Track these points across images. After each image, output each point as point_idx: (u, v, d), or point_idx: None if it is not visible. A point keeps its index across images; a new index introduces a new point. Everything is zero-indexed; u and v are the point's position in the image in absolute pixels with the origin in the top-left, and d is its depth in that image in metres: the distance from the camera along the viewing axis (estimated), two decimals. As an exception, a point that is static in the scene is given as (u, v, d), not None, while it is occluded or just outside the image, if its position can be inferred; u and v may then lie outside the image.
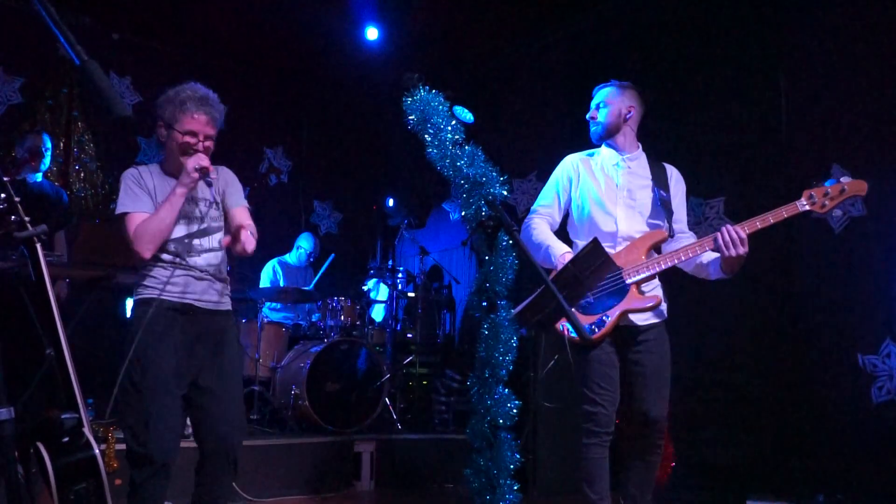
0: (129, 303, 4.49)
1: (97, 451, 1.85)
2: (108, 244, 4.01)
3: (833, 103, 3.97)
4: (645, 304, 2.64)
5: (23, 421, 1.69)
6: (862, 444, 3.65)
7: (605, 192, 2.83)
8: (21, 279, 3.73)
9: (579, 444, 2.65)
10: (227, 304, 2.56)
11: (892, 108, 3.73)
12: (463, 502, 2.44)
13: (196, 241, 2.47)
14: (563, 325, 2.60)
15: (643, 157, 2.94)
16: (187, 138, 2.41)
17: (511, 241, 2.32)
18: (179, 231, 2.43)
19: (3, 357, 1.56)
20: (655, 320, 2.72)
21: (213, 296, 2.49)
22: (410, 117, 2.43)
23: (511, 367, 2.33)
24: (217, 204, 2.53)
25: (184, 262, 2.43)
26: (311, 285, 5.57)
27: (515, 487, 2.25)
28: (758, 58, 4.35)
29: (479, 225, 2.33)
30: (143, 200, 2.41)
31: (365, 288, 6.00)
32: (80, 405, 1.85)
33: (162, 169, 2.52)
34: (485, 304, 2.34)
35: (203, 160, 2.36)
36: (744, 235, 2.52)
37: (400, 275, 5.90)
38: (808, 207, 2.54)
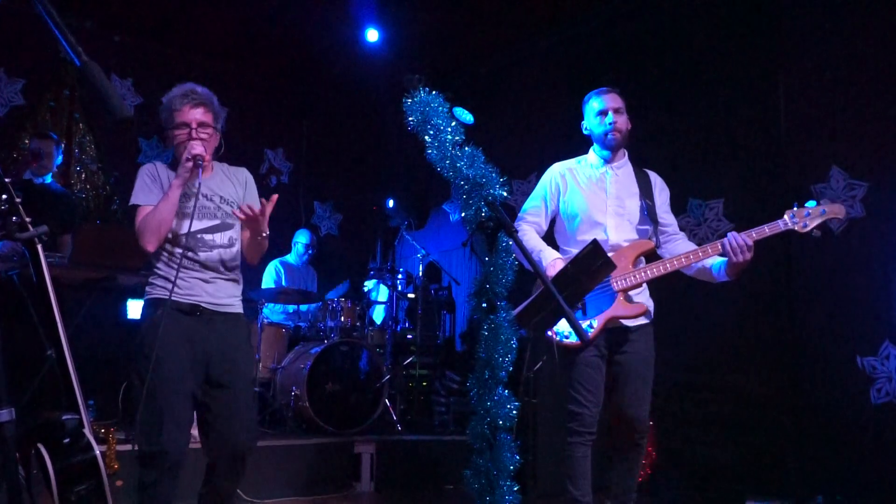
0: (132, 304, 4.50)
1: (98, 452, 1.85)
2: (109, 245, 4.02)
3: (832, 104, 3.98)
4: (632, 312, 2.74)
5: (24, 422, 1.69)
6: (861, 446, 3.65)
7: (595, 202, 2.88)
8: (22, 280, 3.74)
9: (564, 444, 2.74)
10: (237, 307, 2.56)
11: (891, 109, 3.74)
12: (463, 503, 2.44)
13: (209, 237, 2.48)
14: (551, 330, 2.67)
15: (629, 164, 2.98)
16: (181, 131, 2.45)
17: (511, 243, 2.32)
18: (194, 225, 2.43)
19: (4, 358, 1.56)
20: (644, 321, 2.80)
21: (224, 297, 2.50)
22: (410, 118, 2.44)
23: (511, 369, 2.34)
24: (231, 202, 2.55)
25: (196, 258, 2.45)
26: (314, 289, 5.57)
27: (515, 488, 2.25)
28: (757, 59, 4.36)
29: (478, 226, 2.33)
30: (154, 193, 2.44)
31: (365, 289, 6.01)
32: (81, 406, 1.85)
33: (171, 168, 2.55)
34: (484, 305, 2.34)
35: (195, 148, 2.38)
36: (750, 242, 2.63)
37: (400, 276, 5.90)
38: (789, 226, 2.66)
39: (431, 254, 6.16)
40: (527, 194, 5.71)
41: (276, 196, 2.46)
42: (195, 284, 2.44)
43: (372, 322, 5.76)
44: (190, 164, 2.36)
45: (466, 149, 2.41)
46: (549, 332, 2.70)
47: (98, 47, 5.65)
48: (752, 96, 4.35)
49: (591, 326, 2.71)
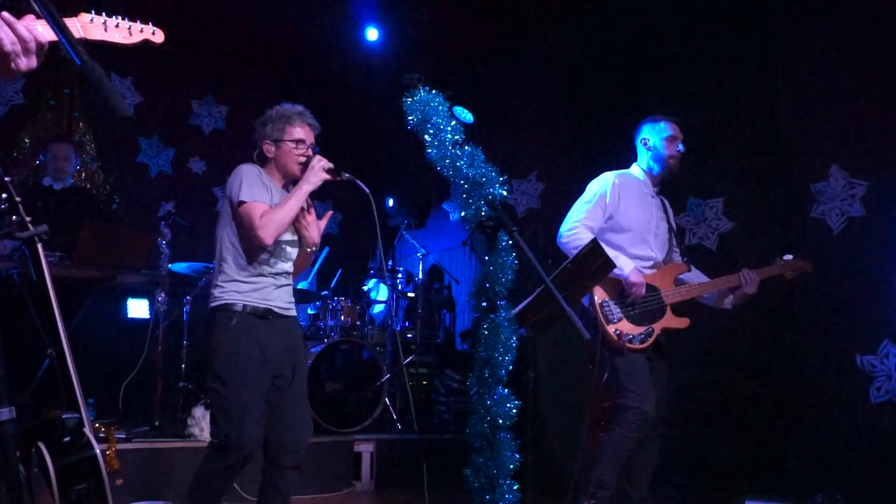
0: (132, 303, 4.50)
1: (98, 450, 1.86)
2: (109, 244, 4.02)
3: (832, 103, 3.98)
4: (680, 324, 3.09)
5: (24, 421, 1.69)
6: (860, 445, 3.66)
7: (645, 219, 3.14)
8: (23, 279, 3.74)
9: (620, 437, 2.92)
10: (295, 310, 2.72)
11: (891, 108, 3.74)
12: (463, 502, 2.44)
13: (286, 245, 2.65)
14: (619, 332, 2.97)
15: (658, 189, 3.28)
16: (298, 147, 2.65)
17: (510, 242, 2.33)
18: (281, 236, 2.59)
19: (4, 357, 1.57)
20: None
21: (288, 301, 2.67)
22: (410, 118, 2.44)
23: (511, 368, 2.34)
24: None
25: (276, 267, 2.61)
26: (309, 279, 5.58)
27: (515, 487, 2.25)
28: (757, 58, 4.36)
29: (478, 225, 2.33)
30: (264, 193, 2.57)
31: (365, 288, 6.01)
32: (81, 405, 1.85)
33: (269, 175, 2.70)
34: (484, 304, 2.35)
35: (326, 162, 2.59)
36: (758, 279, 3.09)
37: (400, 275, 5.91)
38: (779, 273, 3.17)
39: (431, 253, 6.16)
40: (527, 193, 5.78)
41: (331, 212, 2.79)
42: (267, 291, 2.58)
43: (372, 321, 5.76)
44: (324, 174, 2.57)
45: (466, 148, 2.41)
46: (616, 337, 2.96)
47: (97, 46, 5.64)
48: (751, 95, 4.35)
49: (650, 332, 3.02)
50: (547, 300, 2.38)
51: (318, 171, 2.58)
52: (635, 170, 3.24)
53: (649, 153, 3.19)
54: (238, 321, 2.51)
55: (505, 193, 2.39)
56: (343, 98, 7.03)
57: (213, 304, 2.58)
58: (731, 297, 3.18)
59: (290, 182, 2.74)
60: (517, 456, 2.27)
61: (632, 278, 2.97)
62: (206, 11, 5.66)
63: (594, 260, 2.43)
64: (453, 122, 2.45)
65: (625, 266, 2.99)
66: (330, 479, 4.17)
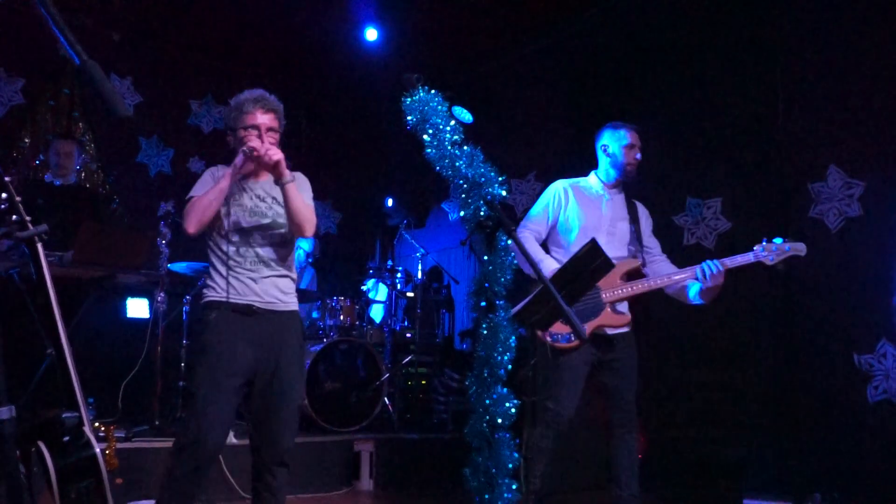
0: (131, 303, 4.50)
1: (98, 450, 1.86)
2: (109, 244, 4.02)
3: (830, 103, 3.99)
4: (617, 322, 3.06)
5: (24, 420, 1.70)
6: (858, 443, 3.67)
7: (592, 220, 3.18)
8: (23, 279, 3.75)
9: (537, 436, 2.98)
10: (291, 304, 2.60)
11: (889, 108, 3.75)
12: (462, 501, 2.45)
13: (259, 234, 2.54)
14: (545, 331, 2.95)
15: (622, 193, 3.31)
16: (250, 133, 2.54)
17: (510, 242, 2.33)
18: (249, 223, 2.51)
19: (4, 356, 1.57)
20: (625, 330, 3.12)
21: (276, 295, 2.55)
22: (409, 117, 2.44)
23: (510, 367, 2.34)
24: (283, 203, 2.56)
25: (247, 256, 2.51)
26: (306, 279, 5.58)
27: (514, 486, 2.26)
28: (755, 58, 4.36)
29: (477, 225, 2.34)
30: (209, 188, 2.50)
31: (364, 288, 6.01)
32: (81, 404, 1.85)
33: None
34: (483, 303, 2.35)
35: (253, 142, 2.48)
36: (722, 269, 2.89)
37: (399, 275, 5.91)
38: (760, 259, 2.92)
39: (431, 253, 6.16)
40: (526, 193, 5.78)
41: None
42: (247, 285, 2.50)
43: (371, 321, 5.77)
44: (243, 156, 2.46)
45: (465, 148, 2.41)
46: (542, 333, 2.97)
47: (97, 45, 5.65)
48: (750, 95, 4.36)
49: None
50: (546, 299, 2.38)
51: (239, 154, 2.49)
52: (592, 177, 3.31)
53: (608, 159, 3.27)
54: (217, 317, 2.46)
55: (504, 193, 2.38)
56: (342, 98, 7.03)
57: (201, 302, 2.57)
58: (697, 291, 3.02)
59: (262, 170, 2.63)
60: (516, 455, 2.28)
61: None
62: (205, 11, 5.66)
63: (593, 259, 2.44)
64: (452, 122, 2.45)
65: (545, 269, 2.97)
66: (329, 478, 4.17)
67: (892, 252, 3.65)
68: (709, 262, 2.91)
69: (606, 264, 2.47)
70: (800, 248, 2.94)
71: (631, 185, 3.30)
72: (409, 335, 5.79)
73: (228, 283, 2.48)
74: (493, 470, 2.23)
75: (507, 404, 2.29)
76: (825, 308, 3.88)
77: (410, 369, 5.69)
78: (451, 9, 5.51)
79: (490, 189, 2.34)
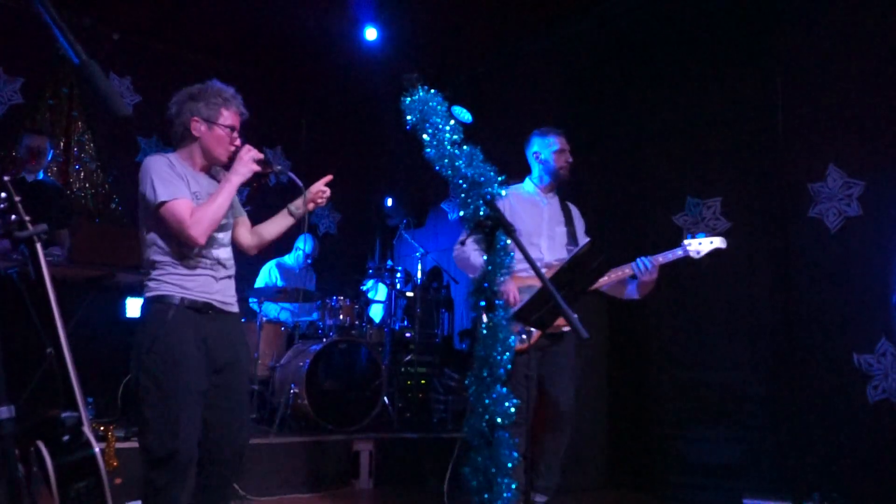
0: (131, 302, 4.50)
1: (97, 449, 1.86)
2: (108, 244, 4.02)
3: (829, 103, 3.98)
4: (560, 322, 3.02)
5: (23, 420, 1.69)
6: (857, 443, 3.66)
7: (532, 224, 3.30)
8: (22, 278, 3.74)
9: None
10: (237, 306, 2.57)
11: (888, 108, 3.75)
12: (461, 501, 2.45)
13: (219, 235, 2.49)
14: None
15: (556, 197, 3.47)
16: (228, 133, 2.49)
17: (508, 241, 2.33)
18: None
19: (4, 356, 1.57)
20: (567, 329, 3.21)
21: (230, 296, 2.52)
22: (409, 117, 2.44)
23: (509, 366, 2.34)
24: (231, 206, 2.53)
25: (209, 257, 2.44)
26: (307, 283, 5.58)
27: (513, 486, 2.26)
28: (754, 58, 4.36)
29: (477, 225, 2.34)
30: (181, 187, 2.38)
31: (363, 288, 6.01)
32: (80, 404, 1.85)
33: (183, 161, 2.49)
34: (483, 303, 2.35)
35: (256, 152, 2.46)
36: (656, 264, 3.07)
37: (398, 275, 5.91)
38: (688, 253, 3.12)
39: (430, 252, 6.16)
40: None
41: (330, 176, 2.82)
42: (205, 283, 2.43)
43: (370, 320, 5.77)
44: (254, 165, 2.44)
45: (465, 147, 2.41)
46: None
47: (96, 45, 5.65)
48: (749, 95, 4.36)
49: (530, 332, 3.07)
50: (545, 299, 2.39)
51: (249, 163, 2.43)
52: (527, 183, 3.49)
53: (541, 165, 3.44)
54: (174, 315, 2.32)
55: (503, 193, 2.39)
56: (342, 98, 7.03)
57: (147, 295, 2.39)
58: (634, 285, 3.20)
59: (211, 167, 2.57)
60: (516, 454, 2.28)
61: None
62: (205, 10, 5.66)
63: (592, 259, 2.44)
64: (452, 122, 2.45)
65: None
66: (328, 477, 4.17)
67: (892, 252, 3.65)
68: (642, 258, 3.09)
69: (606, 264, 2.48)
70: (720, 242, 3.15)
71: (563, 186, 3.47)
72: (408, 335, 5.79)
73: (189, 280, 2.39)
74: (493, 469, 2.23)
75: (507, 404, 2.28)
76: (825, 307, 3.88)
77: (410, 369, 5.69)
78: (451, 9, 5.51)
79: (489, 188, 2.34)
